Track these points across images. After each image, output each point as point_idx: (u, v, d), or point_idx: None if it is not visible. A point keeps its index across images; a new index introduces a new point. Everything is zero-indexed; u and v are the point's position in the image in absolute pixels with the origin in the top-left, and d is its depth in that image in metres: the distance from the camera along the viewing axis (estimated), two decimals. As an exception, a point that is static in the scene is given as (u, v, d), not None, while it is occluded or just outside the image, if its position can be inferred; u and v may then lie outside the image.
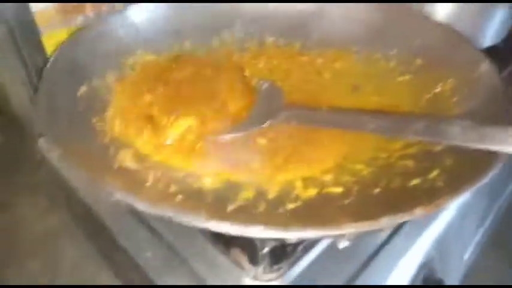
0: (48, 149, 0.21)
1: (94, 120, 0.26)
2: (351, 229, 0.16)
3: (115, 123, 0.27)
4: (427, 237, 0.28)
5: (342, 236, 0.19)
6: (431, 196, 0.19)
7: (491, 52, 0.35)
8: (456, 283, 0.33)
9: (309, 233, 0.16)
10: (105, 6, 0.48)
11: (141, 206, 0.17)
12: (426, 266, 0.27)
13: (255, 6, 0.37)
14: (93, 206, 0.28)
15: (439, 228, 0.29)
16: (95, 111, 0.27)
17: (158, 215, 0.17)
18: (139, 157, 0.25)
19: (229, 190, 0.24)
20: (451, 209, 0.30)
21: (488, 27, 0.41)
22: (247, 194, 0.24)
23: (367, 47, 0.34)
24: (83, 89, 0.27)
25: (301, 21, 0.37)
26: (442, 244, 0.29)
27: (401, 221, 0.16)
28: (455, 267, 0.32)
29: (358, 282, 0.25)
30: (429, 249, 0.28)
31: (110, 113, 0.28)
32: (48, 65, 0.25)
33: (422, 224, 0.28)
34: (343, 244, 0.19)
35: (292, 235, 0.16)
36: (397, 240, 0.27)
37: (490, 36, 0.42)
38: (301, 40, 0.36)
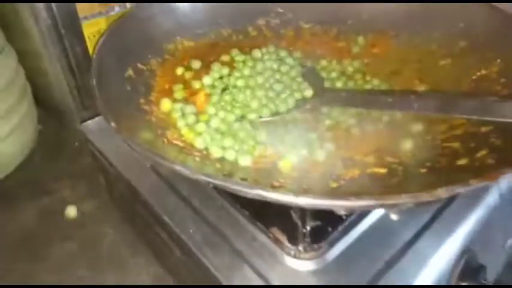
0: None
1: (141, 101, 0.27)
2: (408, 199, 0.15)
3: (158, 105, 0.28)
4: (468, 223, 0.27)
5: (394, 208, 0.18)
6: (482, 172, 0.19)
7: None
8: (497, 271, 0.32)
9: (365, 202, 0.16)
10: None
11: (196, 175, 0.17)
12: (468, 252, 0.27)
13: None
14: (136, 184, 0.29)
15: (481, 214, 0.28)
16: (141, 93, 0.28)
17: (207, 181, 0.17)
18: (184, 138, 0.26)
19: (271, 170, 0.25)
20: (494, 195, 0.29)
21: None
22: (288, 172, 0.24)
23: (406, 30, 0.34)
24: (129, 72, 0.28)
25: (336, 8, 0.37)
26: (483, 230, 0.28)
27: (457, 192, 0.16)
28: (497, 254, 0.31)
29: (397, 267, 0.25)
30: (471, 235, 0.27)
31: (153, 96, 0.29)
32: (99, 44, 0.26)
33: (464, 210, 0.28)
34: (394, 216, 0.19)
35: (346, 204, 0.16)
36: (438, 225, 0.27)
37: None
38: (337, 26, 0.36)
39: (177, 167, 0.18)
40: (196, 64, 0.32)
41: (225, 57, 0.34)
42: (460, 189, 0.16)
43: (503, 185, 0.30)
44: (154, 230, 0.30)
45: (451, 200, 0.28)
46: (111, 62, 0.27)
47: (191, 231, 0.26)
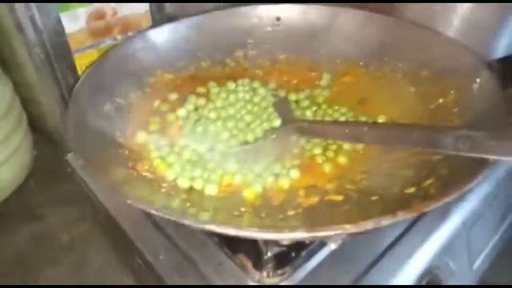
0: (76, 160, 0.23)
1: (116, 133, 0.29)
2: (337, 231, 0.17)
3: (134, 137, 0.30)
4: (430, 245, 0.28)
5: (332, 238, 0.20)
6: (422, 202, 0.20)
7: (506, 63, 0.36)
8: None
9: (299, 234, 0.17)
10: (131, 29, 0.52)
11: (153, 210, 0.19)
12: (429, 274, 0.28)
13: (266, 26, 0.40)
14: (114, 213, 0.31)
15: (444, 236, 0.29)
16: (117, 126, 0.30)
17: (167, 218, 0.19)
18: (154, 169, 0.28)
19: (235, 199, 0.26)
20: (456, 217, 0.30)
21: (502, 37, 0.41)
22: (251, 201, 0.26)
23: (374, 60, 0.35)
24: (107, 106, 0.30)
25: (310, 39, 0.39)
26: (446, 253, 0.29)
27: (386, 224, 0.17)
28: (463, 276, 0.32)
29: (361, 289, 0.26)
30: (433, 257, 0.28)
31: (129, 129, 0.31)
32: (77, 85, 0.28)
33: (427, 232, 0.29)
34: (333, 246, 0.21)
35: (284, 236, 0.17)
36: (400, 247, 0.28)
37: (503, 46, 0.41)
38: (310, 56, 0.38)
39: (132, 202, 0.19)
40: (173, 96, 0.34)
41: (202, 89, 0.36)
42: (386, 221, 0.17)
43: (465, 208, 0.31)
44: (133, 256, 0.31)
45: (412, 223, 0.29)
46: (90, 97, 0.29)
47: (161, 257, 0.27)
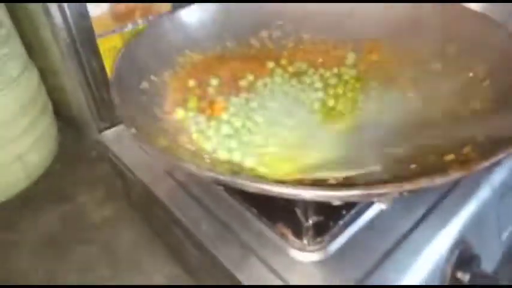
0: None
1: (156, 110, 0.30)
2: (391, 189, 0.18)
3: (172, 114, 0.30)
4: (461, 216, 0.29)
5: (382, 198, 0.21)
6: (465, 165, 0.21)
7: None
8: (494, 262, 0.33)
9: (357, 192, 0.18)
10: (152, 13, 0.52)
11: (206, 173, 0.20)
12: (462, 243, 0.29)
13: (294, 6, 0.40)
14: (152, 187, 0.32)
15: (474, 208, 0.30)
16: (155, 103, 0.30)
17: (217, 179, 0.20)
18: (194, 142, 0.28)
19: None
20: (486, 189, 0.31)
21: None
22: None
23: (398, 38, 0.36)
24: (144, 84, 0.31)
25: (335, 19, 0.39)
26: (477, 223, 0.30)
27: (439, 183, 0.18)
28: (492, 246, 0.33)
29: (394, 257, 0.27)
30: (464, 227, 0.29)
31: (167, 106, 0.31)
32: (114, 65, 0.29)
33: (457, 204, 0.30)
34: (383, 206, 0.21)
35: (342, 194, 0.18)
36: (432, 218, 0.29)
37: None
38: (334, 35, 0.39)
39: (193, 168, 0.20)
40: (204, 76, 0.35)
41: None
42: (441, 180, 0.18)
43: (495, 180, 0.31)
44: (170, 229, 0.32)
45: (444, 194, 0.30)
46: (127, 75, 0.30)
47: (203, 227, 0.28)
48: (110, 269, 0.39)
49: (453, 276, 0.28)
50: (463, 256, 0.28)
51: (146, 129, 0.26)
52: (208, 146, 0.29)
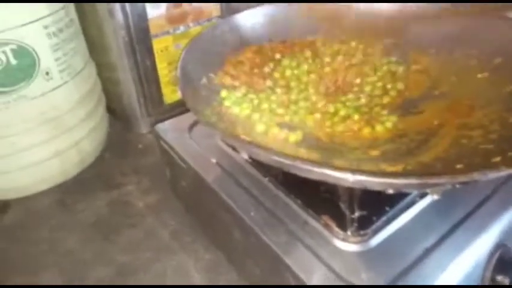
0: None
1: (214, 103, 0.32)
2: (448, 180, 0.19)
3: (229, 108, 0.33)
4: (503, 219, 0.30)
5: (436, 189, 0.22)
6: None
7: None
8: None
9: (412, 181, 0.19)
10: (202, 18, 0.56)
11: (273, 156, 0.22)
12: (502, 246, 0.29)
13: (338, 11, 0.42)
14: (204, 175, 0.34)
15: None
16: (214, 98, 0.33)
17: (280, 162, 0.22)
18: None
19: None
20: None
21: None
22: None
23: (445, 48, 0.37)
24: (203, 80, 0.34)
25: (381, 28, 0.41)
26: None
27: (490, 177, 0.19)
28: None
29: (434, 255, 0.28)
30: (505, 231, 0.30)
31: (224, 99, 0.34)
32: (179, 63, 0.32)
33: (499, 207, 0.31)
34: (436, 196, 0.23)
35: (398, 182, 0.20)
36: (474, 220, 0.30)
37: None
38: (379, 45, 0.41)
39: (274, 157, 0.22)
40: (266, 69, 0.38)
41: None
42: (493, 174, 0.19)
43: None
44: (217, 215, 0.35)
45: (483, 200, 0.31)
46: (189, 71, 0.33)
47: (252, 214, 0.30)
48: (153, 252, 0.42)
49: (493, 279, 0.29)
50: (503, 260, 0.29)
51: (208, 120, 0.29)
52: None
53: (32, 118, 0.44)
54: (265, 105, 0.33)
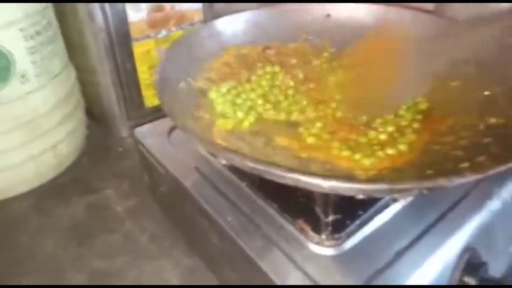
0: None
1: (191, 107, 0.32)
2: (413, 185, 0.20)
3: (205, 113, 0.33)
4: (471, 224, 0.31)
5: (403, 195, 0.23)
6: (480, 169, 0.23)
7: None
8: (501, 271, 0.35)
9: (383, 186, 0.20)
10: (185, 22, 0.56)
11: (248, 161, 0.22)
12: (470, 250, 0.30)
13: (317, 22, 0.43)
14: (182, 180, 0.34)
15: (484, 218, 0.32)
16: (191, 102, 0.33)
17: (255, 168, 0.22)
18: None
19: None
20: (496, 201, 0.33)
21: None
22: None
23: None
24: (181, 84, 0.34)
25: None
26: (486, 233, 0.32)
27: (455, 183, 0.20)
28: (500, 256, 0.34)
29: (405, 257, 0.29)
30: (474, 236, 0.31)
31: (202, 105, 0.34)
32: (160, 63, 0.32)
33: (468, 213, 0.32)
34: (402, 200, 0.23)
35: (366, 187, 0.20)
36: (443, 224, 0.31)
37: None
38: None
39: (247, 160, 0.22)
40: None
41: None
42: (459, 180, 0.20)
43: (505, 193, 0.33)
44: (195, 220, 0.35)
45: (455, 203, 0.32)
46: (168, 75, 0.33)
47: (229, 219, 0.31)
48: (130, 257, 0.41)
49: (461, 280, 0.30)
50: (471, 262, 0.30)
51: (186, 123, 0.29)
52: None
53: (7, 121, 0.43)
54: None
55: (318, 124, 0.33)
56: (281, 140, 0.32)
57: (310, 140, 0.32)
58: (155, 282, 0.38)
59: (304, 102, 0.36)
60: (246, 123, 0.33)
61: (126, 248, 0.42)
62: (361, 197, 0.23)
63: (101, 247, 0.43)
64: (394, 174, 0.28)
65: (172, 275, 0.39)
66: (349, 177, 0.24)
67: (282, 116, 0.34)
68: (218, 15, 0.46)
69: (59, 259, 0.41)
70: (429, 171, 0.27)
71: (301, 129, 0.33)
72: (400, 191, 0.20)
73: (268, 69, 0.39)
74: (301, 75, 0.39)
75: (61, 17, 0.49)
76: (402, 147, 0.32)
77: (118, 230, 0.45)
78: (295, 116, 0.35)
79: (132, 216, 0.46)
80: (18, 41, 0.41)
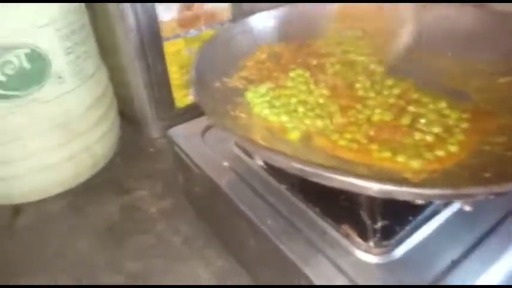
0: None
1: (228, 107, 0.31)
2: (480, 190, 0.18)
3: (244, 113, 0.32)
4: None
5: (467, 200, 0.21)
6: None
7: None
8: None
9: (441, 191, 0.18)
10: (214, 21, 0.55)
11: (294, 163, 0.21)
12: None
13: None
14: (218, 181, 0.33)
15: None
16: (228, 101, 0.32)
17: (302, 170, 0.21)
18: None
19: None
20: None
21: None
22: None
23: (463, 51, 0.36)
24: (217, 84, 0.33)
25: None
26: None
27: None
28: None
29: (461, 268, 0.26)
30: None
31: (238, 104, 0.33)
32: (193, 66, 0.31)
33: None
34: (468, 208, 0.21)
35: (428, 192, 0.18)
36: (503, 228, 0.28)
37: None
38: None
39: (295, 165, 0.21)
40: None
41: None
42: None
43: None
44: (231, 222, 0.34)
45: (508, 213, 0.29)
46: (203, 75, 0.32)
47: (269, 222, 0.29)
48: (163, 259, 0.41)
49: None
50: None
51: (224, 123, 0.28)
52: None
53: (44, 122, 0.43)
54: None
55: (353, 128, 0.32)
56: (320, 141, 0.31)
57: (347, 143, 0.30)
58: (188, 282, 0.38)
59: (337, 108, 0.34)
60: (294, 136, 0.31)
61: (160, 249, 0.42)
62: (419, 202, 0.21)
63: (135, 248, 0.42)
64: (447, 177, 0.26)
65: (205, 276, 0.38)
66: (406, 182, 0.22)
67: (319, 124, 0.32)
68: (247, 15, 0.45)
69: (91, 259, 0.41)
70: (486, 174, 0.24)
71: (336, 136, 0.31)
72: (466, 196, 0.18)
73: (301, 71, 0.38)
74: (332, 81, 0.37)
75: (93, 18, 0.50)
76: (453, 148, 0.29)
77: (152, 230, 0.44)
78: (330, 122, 0.33)
79: (166, 217, 0.46)
80: (54, 42, 0.41)
